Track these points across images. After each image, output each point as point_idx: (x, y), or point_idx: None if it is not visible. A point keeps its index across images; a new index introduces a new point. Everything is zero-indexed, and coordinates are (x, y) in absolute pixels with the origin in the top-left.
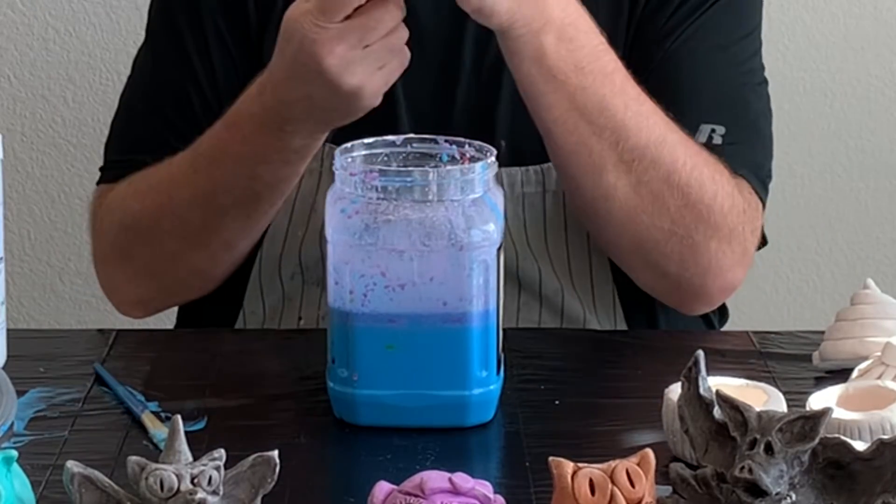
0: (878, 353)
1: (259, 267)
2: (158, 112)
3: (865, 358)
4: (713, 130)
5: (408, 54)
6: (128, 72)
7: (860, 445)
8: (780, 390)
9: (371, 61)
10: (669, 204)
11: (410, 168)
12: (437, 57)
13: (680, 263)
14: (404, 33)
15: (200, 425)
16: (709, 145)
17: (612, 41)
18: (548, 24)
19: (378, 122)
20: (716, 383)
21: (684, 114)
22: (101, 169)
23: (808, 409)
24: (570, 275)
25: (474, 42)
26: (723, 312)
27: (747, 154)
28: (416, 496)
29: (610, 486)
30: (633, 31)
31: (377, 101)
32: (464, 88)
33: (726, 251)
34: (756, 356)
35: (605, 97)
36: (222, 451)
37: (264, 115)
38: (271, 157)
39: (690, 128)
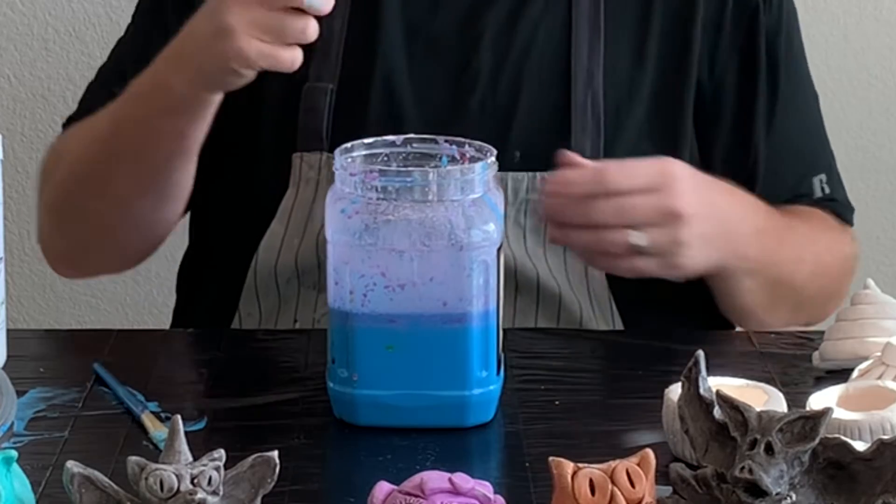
0: (878, 353)
1: (254, 274)
2: (122, 77)
3: (865, 358)
4: (821, 181)
5: (292, 52)
6: None
7: (860, 445)
8: (780, 390)
9: (258, 22)
10: (803, 306)
11: (410, 168)
12: (452, 64)
13: (808, 320)
14: (299, 23)
15: (200, 425)
16: (822, 200)
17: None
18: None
19: (383, 127)
20: (716, 383)
21: (800, 174)
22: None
23: (808, 409)
24: (568, 279)
25: (492, 49)
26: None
27: (840, 193)
28: (416, 496)
29: (610, 486)
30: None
31: (244, 67)
32: (478, 98)
33: (842, 292)
34: (756, 356)
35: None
36: (222, 451)
37: (165, 54)
38: (158, 99)
39: (806, 185)
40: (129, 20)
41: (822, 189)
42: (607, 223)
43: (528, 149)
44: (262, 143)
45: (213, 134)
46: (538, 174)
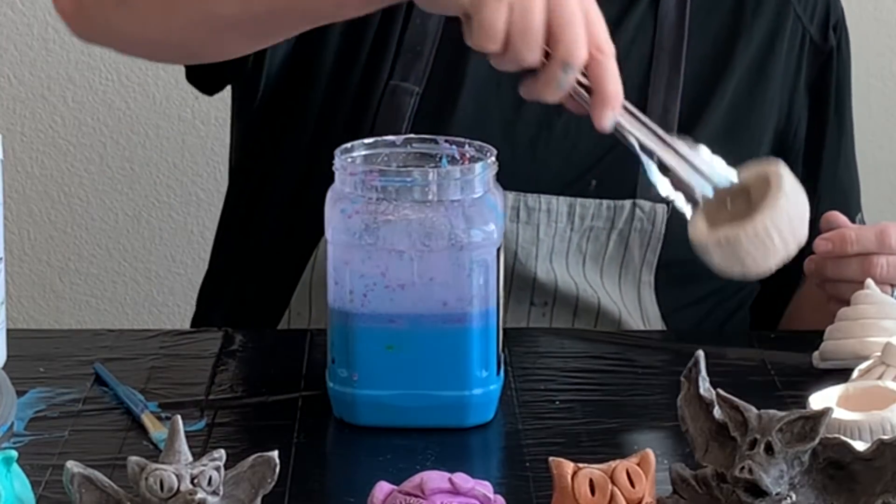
0: (878, 353)
1: (312, 270)
2: None
3: (865, 358)
4: (860, 218)
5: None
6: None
7: (860, 446)
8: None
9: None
10: None
11: (410, 168)
12: None
13: None
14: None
15: (200, 425)
16: None
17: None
18: None
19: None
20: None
21: (845, 213)
22: None
23: (808, 409)
24: (625, 306)
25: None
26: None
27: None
28: (416, 496)
29: (610, 486)
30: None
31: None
32: (562, 124)
33: None
34: (756, 356)
35: None
36: (222, 451)
37: None
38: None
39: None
40: None
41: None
42: (885, 280)
43: (603, 178)
44: (333, 138)
45: (280, 122)
46: (604, 202)
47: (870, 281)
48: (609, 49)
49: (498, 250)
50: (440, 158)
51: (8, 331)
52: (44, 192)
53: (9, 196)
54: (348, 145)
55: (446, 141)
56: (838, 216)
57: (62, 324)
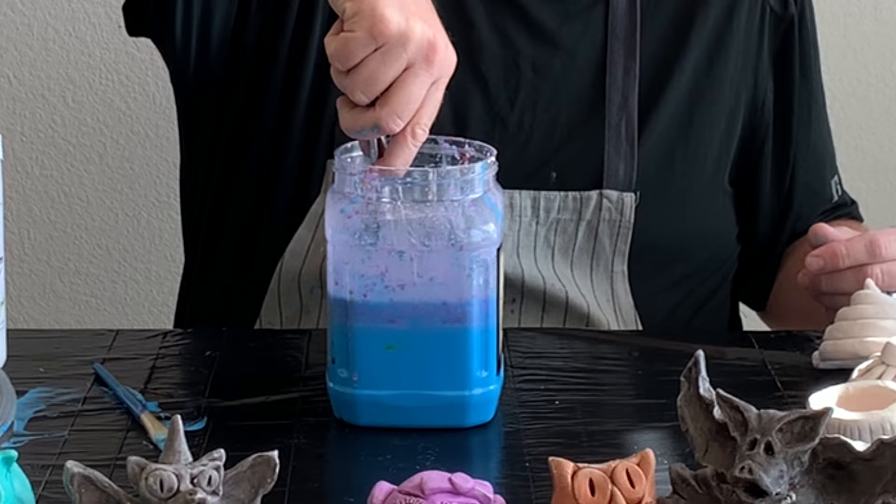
0: (878, 353)
1: (278, 279)
2: None
3: (865, 358)
4: (835, 183)
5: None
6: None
7: (860, 445)
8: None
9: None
10: None
11: (410, 168)
12: (491, 81)
13: None
14: None
15: (200, 425)
16: (840, 202)
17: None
18: None
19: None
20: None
21: (823, 180)
22: None
23: (808, 409)
24: (595, 297)
25: (531, 69)
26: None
27: (845, 192)
28: (416, 496)
29: (610, 486)
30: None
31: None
32: (517, 117)
33: None
34: (756, 356)
35: None
36: (222, 451)
37: None
38: None
39: (827, 190)
40: None
41: (836, 191)
42: (881, 289)
43: (564, 169)
44: (294, 149)
45: (240, 138)
46: (570, 194)
47: (870, 281)
48: (421, 137)
49: (498, 250)
50: (440, 158)
51: (8, 331)
52: (44, 192)
53: (9, 196)
54: (348, 145)
55: (446, 141)
56: (826, 228)
57: (62, 324)
